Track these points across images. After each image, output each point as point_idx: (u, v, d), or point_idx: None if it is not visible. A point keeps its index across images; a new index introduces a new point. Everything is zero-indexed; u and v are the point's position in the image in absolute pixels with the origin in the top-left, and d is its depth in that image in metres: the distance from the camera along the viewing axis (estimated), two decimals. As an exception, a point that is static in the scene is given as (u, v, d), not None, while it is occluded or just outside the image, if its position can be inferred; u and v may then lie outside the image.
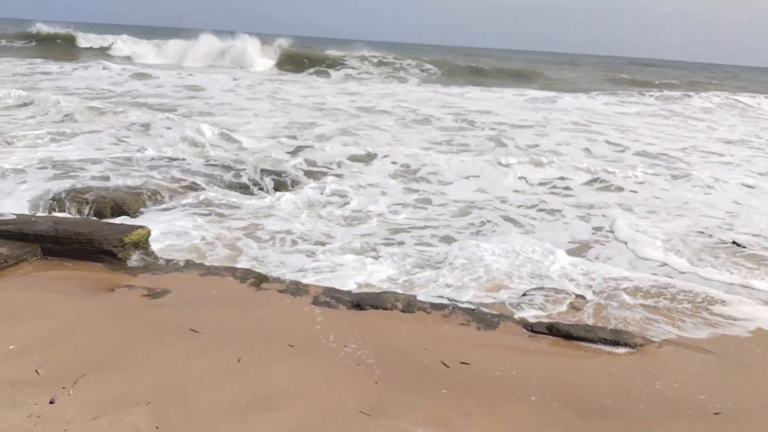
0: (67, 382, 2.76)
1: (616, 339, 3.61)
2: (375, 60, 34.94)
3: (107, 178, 7.35)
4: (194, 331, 3.35)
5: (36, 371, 2.83)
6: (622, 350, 3.54)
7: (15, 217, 4.84)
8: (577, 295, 4.52)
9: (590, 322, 4.02)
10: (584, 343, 3.58)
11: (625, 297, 4.54)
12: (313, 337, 3.42)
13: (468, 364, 3.22)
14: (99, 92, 16.93)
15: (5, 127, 10.44)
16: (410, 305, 3.90)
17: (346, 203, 7.30)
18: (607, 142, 12.82)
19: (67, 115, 11.93)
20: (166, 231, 5.65)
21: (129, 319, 3.47)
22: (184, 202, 6.79)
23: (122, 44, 36.76)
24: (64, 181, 7.12)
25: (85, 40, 38.13)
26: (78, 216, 6.00)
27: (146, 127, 11.15)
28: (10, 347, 3.02)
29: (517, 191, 8.45)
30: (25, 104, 13.01)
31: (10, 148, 8.89)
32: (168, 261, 4.48)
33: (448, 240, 6.17)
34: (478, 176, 9.12)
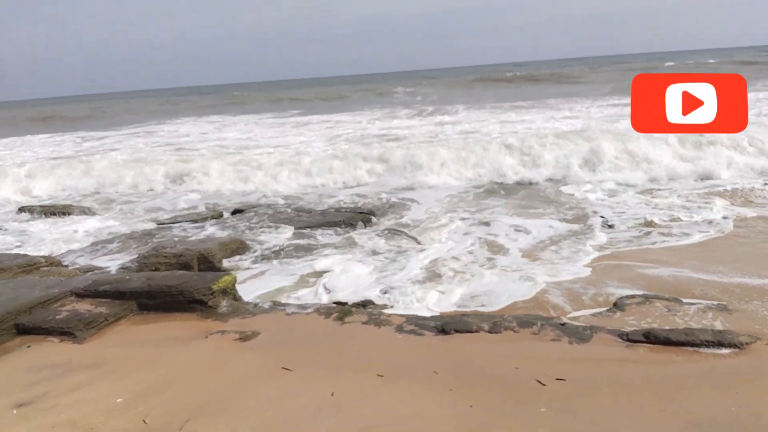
0: (173, 429, 2.87)
1: (719, 340, 3.41)
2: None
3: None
4: (286, 369, 3.43)
5: (144, 421, 2.97)
6: (726, 351, 3.34)
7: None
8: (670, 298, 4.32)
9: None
10: (686, 348, 3.40)
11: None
12: (400, 366, 3.42)
13: (564, 380, 3.12)
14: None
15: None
16: (496, 326, 3.83)
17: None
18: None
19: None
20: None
21: (224, 363, 3.59)
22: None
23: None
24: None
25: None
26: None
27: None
28: (118, 400, 3.18)
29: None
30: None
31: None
32: (255, 304, 4.62)
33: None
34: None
